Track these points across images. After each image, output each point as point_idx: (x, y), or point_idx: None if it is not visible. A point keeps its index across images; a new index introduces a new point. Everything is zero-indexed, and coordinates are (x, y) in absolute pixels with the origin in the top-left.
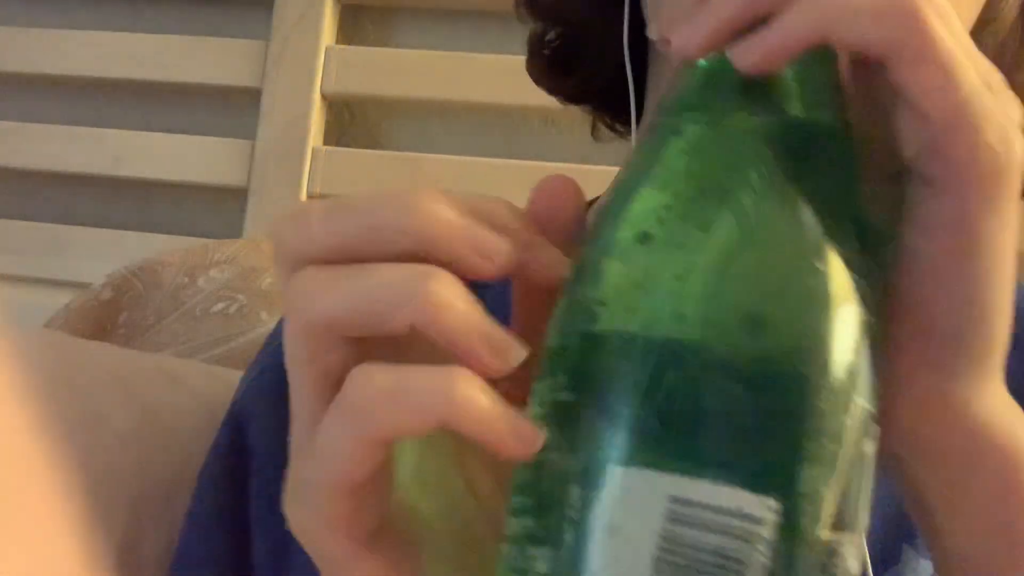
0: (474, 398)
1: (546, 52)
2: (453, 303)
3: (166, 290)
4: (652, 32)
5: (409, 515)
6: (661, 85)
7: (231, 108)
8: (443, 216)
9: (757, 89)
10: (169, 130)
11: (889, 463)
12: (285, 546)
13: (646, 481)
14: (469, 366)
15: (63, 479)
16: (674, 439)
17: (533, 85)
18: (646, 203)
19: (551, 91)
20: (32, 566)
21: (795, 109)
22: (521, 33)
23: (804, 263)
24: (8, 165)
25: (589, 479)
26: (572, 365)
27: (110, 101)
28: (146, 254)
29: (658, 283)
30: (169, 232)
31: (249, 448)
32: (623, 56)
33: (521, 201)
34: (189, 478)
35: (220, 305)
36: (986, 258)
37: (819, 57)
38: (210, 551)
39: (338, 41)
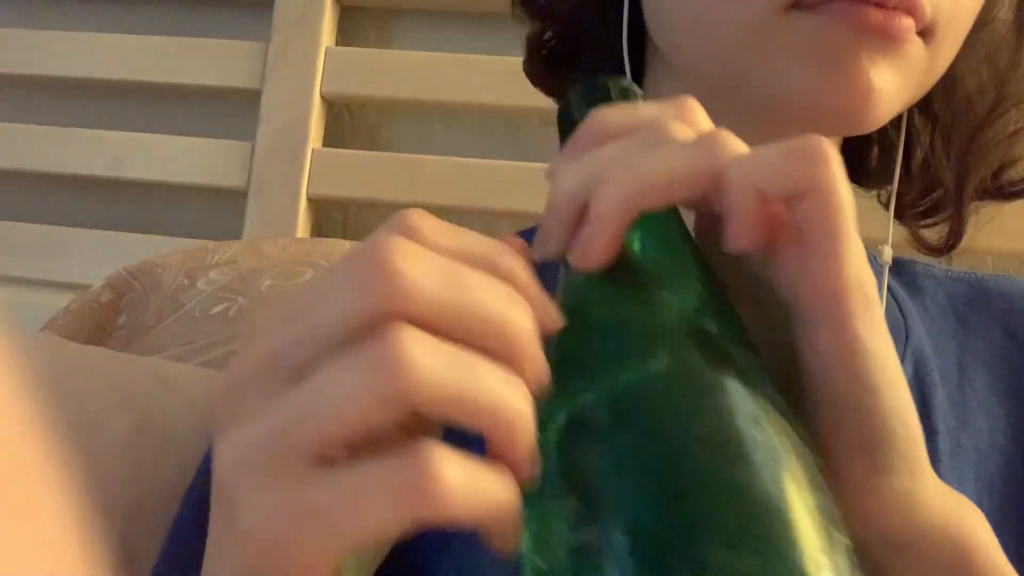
0: (447, 480)
1: (544, 53)
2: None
3: (166, 292)
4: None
5: None
6: (660, 84)
7: (231, 109)
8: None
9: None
10: (169, 132)
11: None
12: None
13: None
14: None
15: (58, 486)
16: None
17: (533, 87)
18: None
19: (549, 92)
20: (29, 572)
21: (661, 281)
22: (520, 35)
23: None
24: (7, 166)
25: None
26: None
27: (110, 103)
28: (146, 255)
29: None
30: (169, 233)
31: None
32: (622, 56)
33: (520, 201)
34: (185, 484)
35: (220, 307)
36: (876, 366)
37: (657, 219)
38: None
39: (338, 42)
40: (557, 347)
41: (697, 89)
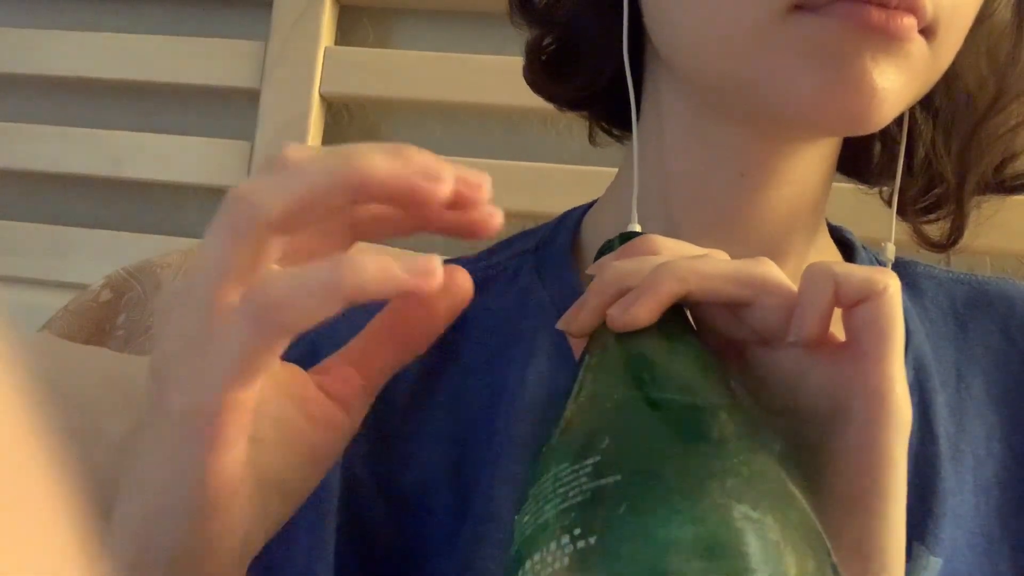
0: (362, 264)
1: (543, 59)
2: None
3: (165, 291)
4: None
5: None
6: (661, 88)
7: (230, 109)
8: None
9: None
10: (168, 131)
11: None
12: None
13: None
14: (415, 197)
15: (58, 487)
16: None
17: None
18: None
19: (550, 98)
20: (28, 572)
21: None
22: (519, 35)
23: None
24: (7, 166)
25: None
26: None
27: (109, 102)
28: (145, 255)
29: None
30: (168, 233)
31: None
32: (622, 61)
33: (519, 201)
34: None
35: None
36: (897, 476)
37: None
38: None
39: (337, 42)
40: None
41: (699, 93)
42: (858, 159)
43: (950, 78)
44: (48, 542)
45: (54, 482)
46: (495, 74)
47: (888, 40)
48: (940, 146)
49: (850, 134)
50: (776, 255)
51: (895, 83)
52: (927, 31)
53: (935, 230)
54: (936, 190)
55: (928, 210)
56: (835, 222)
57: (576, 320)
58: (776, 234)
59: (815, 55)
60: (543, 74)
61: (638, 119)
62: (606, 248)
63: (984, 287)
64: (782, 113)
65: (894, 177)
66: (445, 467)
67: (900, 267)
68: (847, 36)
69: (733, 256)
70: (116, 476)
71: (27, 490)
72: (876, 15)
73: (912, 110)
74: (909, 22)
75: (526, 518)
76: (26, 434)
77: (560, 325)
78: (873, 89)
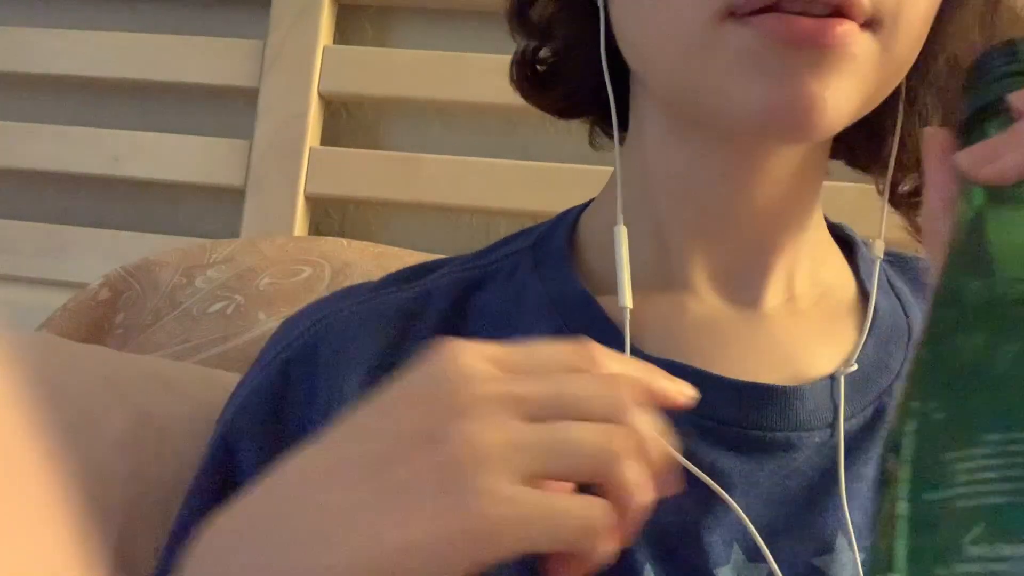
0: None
1: (528, 70)
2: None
3: (163, 290)
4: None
5: None
6: (637, 94)
7: (228, 108)
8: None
9: None
10: (166, 130)
11: None
12: None
13: None
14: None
15: (56, 484)
16: None
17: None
18: None
19: (539, 106)
20: (27, 570)
21: None
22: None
23: None
24: (5, 165)
25: None
26: None
27: (107, 101)
28: (143, 254)
29: None
30: (166, 232)
31: (239, 467)
32: (603, 73)
33: (518, 200)
34: (183, 483)
35: (218, 305)
36: None
37: None
38: None
39: (335, 41)
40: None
41: (663, 105)
42: (848, 149)
43: (929, 61)
44: (40, 543)
45: (47, 483)
46: (494, 73)
47: (822, 51)
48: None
49: (797, 143)
50: (766, 253)
51: (840, 90)
52: (872, 23)
53: None
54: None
55: (918, 203)
56: (837, 219)
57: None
58: (765, 232)
59: (751, 69)
60: (528, 83)
61: (625, 125)
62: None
63: None
64: (724, 123)
65: (886, 168)
66: None
67: (902, 262)
68: (779, 51)
69: (723, 255)
70: (114, 473)
71: (20, 491)
72: (805, 26)
73: (910, 95)
74: (843, 29)
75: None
76: (19, 433)
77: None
78: (813, 101)
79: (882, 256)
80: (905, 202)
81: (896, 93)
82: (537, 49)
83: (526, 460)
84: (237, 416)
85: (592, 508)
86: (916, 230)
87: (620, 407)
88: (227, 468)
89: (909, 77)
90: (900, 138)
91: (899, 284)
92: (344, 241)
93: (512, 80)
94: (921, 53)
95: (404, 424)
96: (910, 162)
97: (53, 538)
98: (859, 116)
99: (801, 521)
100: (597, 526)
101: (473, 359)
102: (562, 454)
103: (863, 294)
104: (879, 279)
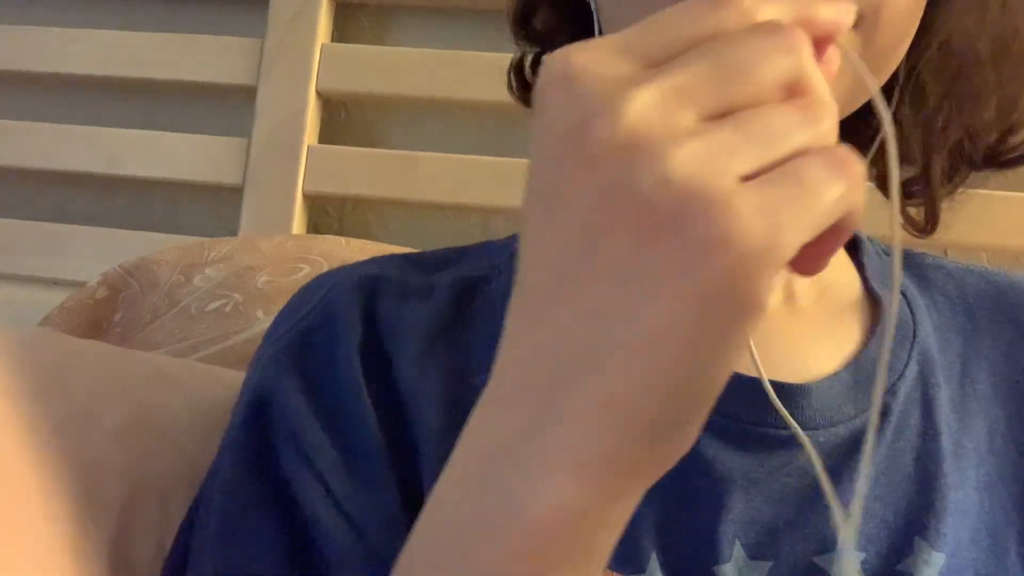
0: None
1: (527, 80)
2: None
3: (161, 288)
4: None
5: None
6: None
7: (226, 106)
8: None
9: None
10: (164, 128)
11: None
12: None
13: None
14: None
15: (54, 478)
16: None
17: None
18: None
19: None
20: (22, 564)
21: None
22: None
23: None
24: (3, 164)
25: None
26: None
27: (105, 99)
28: (141, 252)
29: None
30: (164, 230)
31: (273, 423)
32: None
33: (516, 198)
34: (182, 478)
35: (216, 303)
36: None
37: None
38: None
39: (333, 39)
40: None
41: None
42: (850, 145)
43: (942, 45)
44: (37, 538)
45: (46, 477)
46: (492, 71)
47: None
48: (909, 121)
49: None
50: None
51: None
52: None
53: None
54: (908, 171)
55: (907, 194)
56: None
57: None
58: None
59: None
60: (527, 91)
61: None
62: None
63: (996, 278)
64: None
65: (883, 164)
66: None
67: (908, 258)
68: None
69: None
70: (111, 467)
71: (17, 485)
72: None
73: (906, 83)
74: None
75: None
76: (18, 427)
77: None
78: None
79: (900, 253)
80: (901, 193)
81: (891, 82)
82: (538, 56)
83: (739, 163)
84: (267, 373)
85: (834, 158)
86: (907, 219)
87: (800, 66)
88: (261, 424)
89: (904, 65)
90: (898, 127)
91: (904, 281)
92: (342, 239)
93: (510, 87)
94: (914, 40)
95: (587, 217)
96: (908, 152)
97: (49, 532)
98: (848, 110)
99: (802, 519)
100: (853, 175)
101: (594, 76)
102: (772, 143)
103: (868, 292)
104: (882, 276)
